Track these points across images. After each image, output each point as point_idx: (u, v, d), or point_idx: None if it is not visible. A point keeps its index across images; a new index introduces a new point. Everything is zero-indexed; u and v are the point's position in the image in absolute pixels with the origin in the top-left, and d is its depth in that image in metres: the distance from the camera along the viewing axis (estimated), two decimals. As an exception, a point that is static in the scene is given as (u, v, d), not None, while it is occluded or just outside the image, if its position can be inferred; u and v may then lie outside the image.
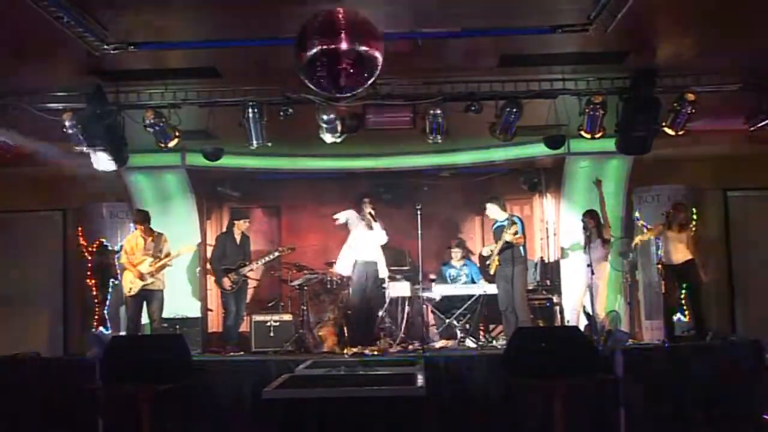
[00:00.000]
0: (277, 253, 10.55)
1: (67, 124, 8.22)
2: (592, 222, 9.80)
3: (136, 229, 9.74)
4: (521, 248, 9.53)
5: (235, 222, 10.57)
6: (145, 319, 9.61)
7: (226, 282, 10.12)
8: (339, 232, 10.64)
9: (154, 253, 9.48)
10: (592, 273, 9.47)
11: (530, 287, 10.44)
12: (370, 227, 10.24)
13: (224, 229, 11.17)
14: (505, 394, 7.50)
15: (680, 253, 9.28)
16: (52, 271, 11.63)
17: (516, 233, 9.43)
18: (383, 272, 10.25)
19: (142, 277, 9.36)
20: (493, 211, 9.94)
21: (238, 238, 10.46)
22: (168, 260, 9.53)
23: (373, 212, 10.15)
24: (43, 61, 7.33)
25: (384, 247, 10.45)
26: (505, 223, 9.63)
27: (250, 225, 10.88)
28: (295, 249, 10.81)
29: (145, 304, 9.48)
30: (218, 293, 10.69)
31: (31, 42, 6.82)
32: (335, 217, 10.38)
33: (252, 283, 11.73)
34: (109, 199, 11.38)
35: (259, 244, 11.78)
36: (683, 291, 9.71)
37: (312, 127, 8.41)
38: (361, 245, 10.18)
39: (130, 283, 9.43)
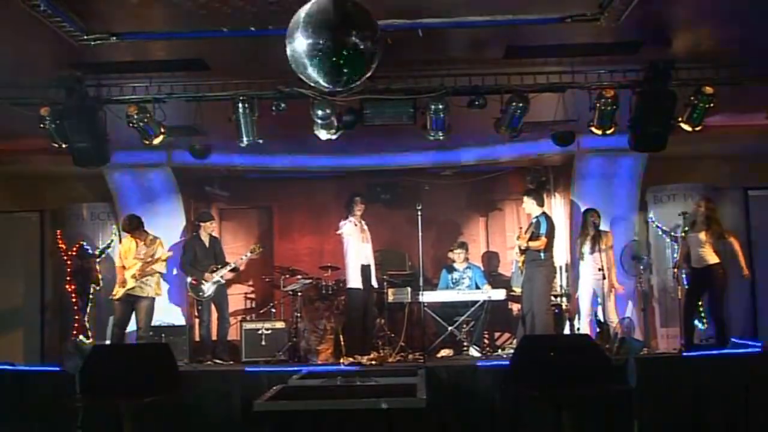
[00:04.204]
0: (249, 254, 10.54)
1: (45, 119, 8.22)
2: (599, 221, 9.89)
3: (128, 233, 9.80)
4: (541, 251, 9.56)
5: (201, 224, 10.57)
6: (131, 327, 9.63)
7: (204, 288, 10.12)
8: (334, 234, 10.66)
9: (144, 258, 9.51)
10: (604, 277, 9.50)
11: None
12: (363, 230, 10.32)
13: (193, 233, 11.03)
14: (512, 407, 7.52)
15: (707, 256, 9.24)
16: (29, 276, 11.61)
17: (533, 237, 9.49)
18: (374, 280, 10.32)
19: (123, 283, 9.41)
20: (528, 205, 9.98)
21: (206, 240, 10.47)
22: (156, 265, 9.55)
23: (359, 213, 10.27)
24: (19, 53, 7.32)
25: (383, 251, 10.49)
26: (533, 221, 9.69)
27: (241, 227, 10.89)
28: (263, 249, 10.89)
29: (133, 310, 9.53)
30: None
31: (5, 32, 6.81)
32: (338, 233, 10.41)
33: (242, 289, 11.76)
34: (89, 199, 11.42)
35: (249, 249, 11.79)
36: (700, 296, 9.69)
37: (306, 123, 8.42)
38: (359, 249, 10.23)
39: (117, 287, 9.54)
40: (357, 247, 10.24)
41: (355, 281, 10.18)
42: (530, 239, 9.57)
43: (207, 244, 10.45)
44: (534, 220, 9.73)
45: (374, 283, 10.44)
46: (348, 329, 10.15)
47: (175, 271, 10.76)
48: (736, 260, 9.24)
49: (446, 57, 7.89)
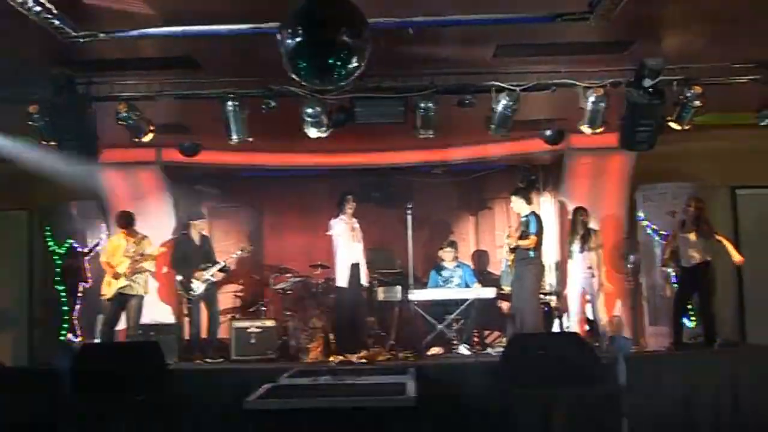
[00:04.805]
0: (240, 252, 10.51)
1: (34, 116, 8.18)
2: (588, 219, 9.94)
3: (120, 230, 9.78)
4: (530, 249, 9.56)
5: (192, 222, 10.54)
6: (121, 325, 9.60)
7: (194, 286, 10.09)
8: (324, 233, 10.64)
9: (133, 256, 9.50)
10: (593, 276, 9.53)
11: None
12: (353, 228, 10.30)
13: (182, 231, 10.99)
14: (502, 405, 7.51)
15: (696, 255, 9.27)
16: (17, 275, 11.57)
17: (522, 236, 9.50)
18: (364, 277, 10.30)
19: (116, 276, 9.39)
20: (517, 204, 9.97)
21: (196, 239, 10.44)
22: (145, 262, 9.55)
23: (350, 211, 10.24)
24: (7, 50, 7.29)
25: (373, 249, 10.48)
26: (523, 220, 9.70)
27: (230, 225, 10.86)
28: (253, 248, 10.88)
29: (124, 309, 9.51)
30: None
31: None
32: (329, 234, 10.38)
33: (231, 287, 11.73)
34: (79, 197, 11.35)
35: (239, 247, 11.78)
36: (690, 295, 9.71)
37: (296, 121, 8.41)
38: (349, 247, 10.21)
39: (106, 286, 9.51)
40: (347, 246, 10.22)
41: (343, 280, 10.15)
42: (520, 238, 9.58)
43: (197, 243, 10.41)
44: (524, 219, 9.74)
45: (364, 281, 10.40)
46: (337, 328, 10.14)
47: (165, 270, 10.75)
48: (726, 259, 9.30)
49: (436, 55, 7.88)
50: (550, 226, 11.30)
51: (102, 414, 6.66)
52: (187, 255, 10.29)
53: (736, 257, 9.15)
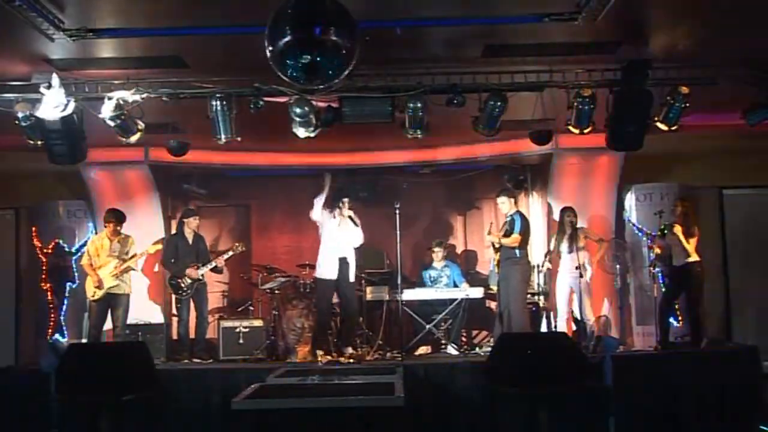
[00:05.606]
0: (231, 252, 10.50)
1: (20, 116, 8.14)
2: (576, 220, 9.96)
3: (105, 227, 9.72)
4: (516, 248, 9.57)
5: (185, 220, 10.48)
6: (107, 325, 9.57)
7: (185, 285, 10.05)
8: (312, 232, 10.60)
9: (119, 256, 9.47)
10: (581, 276, 9.55)
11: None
12: (339, 224, 10.18)
13: (175, 230, 11.02)
14: (489, 404, 7.54)
15: (686, 255, 9.29)
16: (3, 274, 11.53)
17: (506, 235, 9.50)
18: (353, 276, 10.22)
19: (100, 285, 9.35)
20: (504, 204, 9.95)
21: (189, 237, 10.38)
22: (132, 262, 9.53)
23: (353, 214, 10.02)
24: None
25: (361, 249, 10.45)
26: (507, 219, 9.71)
27: (218, 224, 10.83)
28: (244, 248, 10.81)
29: (110, 309, 9.47)
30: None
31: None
32: (314, 218, 10.19)
33: (219, 287, 11.70)
34: (66, 196, 11.33)
35: (227, 246, 11.76)
36: (678, 295, 9.75)
37: (284, 120, 8.39)
38: (335, 242, 10.06)
39: (93, 288, 9.42)
40: (334, 238, 9.95)
41: (327, 272, 9.74)
42: (504, 236, 9.59)
43: (190, 241, 10.36)
44: (508, 218, 9.74)
45: (353, 279, 10.21)
46: (320, 326, 10.03)
47: (156, 268, 10.70)
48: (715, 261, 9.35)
49: (424, 55, 7.89)
50: (538, 226, 11.33)
51: (89, 415, 6.64)
52: (179, 254, 10.25)
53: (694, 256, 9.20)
